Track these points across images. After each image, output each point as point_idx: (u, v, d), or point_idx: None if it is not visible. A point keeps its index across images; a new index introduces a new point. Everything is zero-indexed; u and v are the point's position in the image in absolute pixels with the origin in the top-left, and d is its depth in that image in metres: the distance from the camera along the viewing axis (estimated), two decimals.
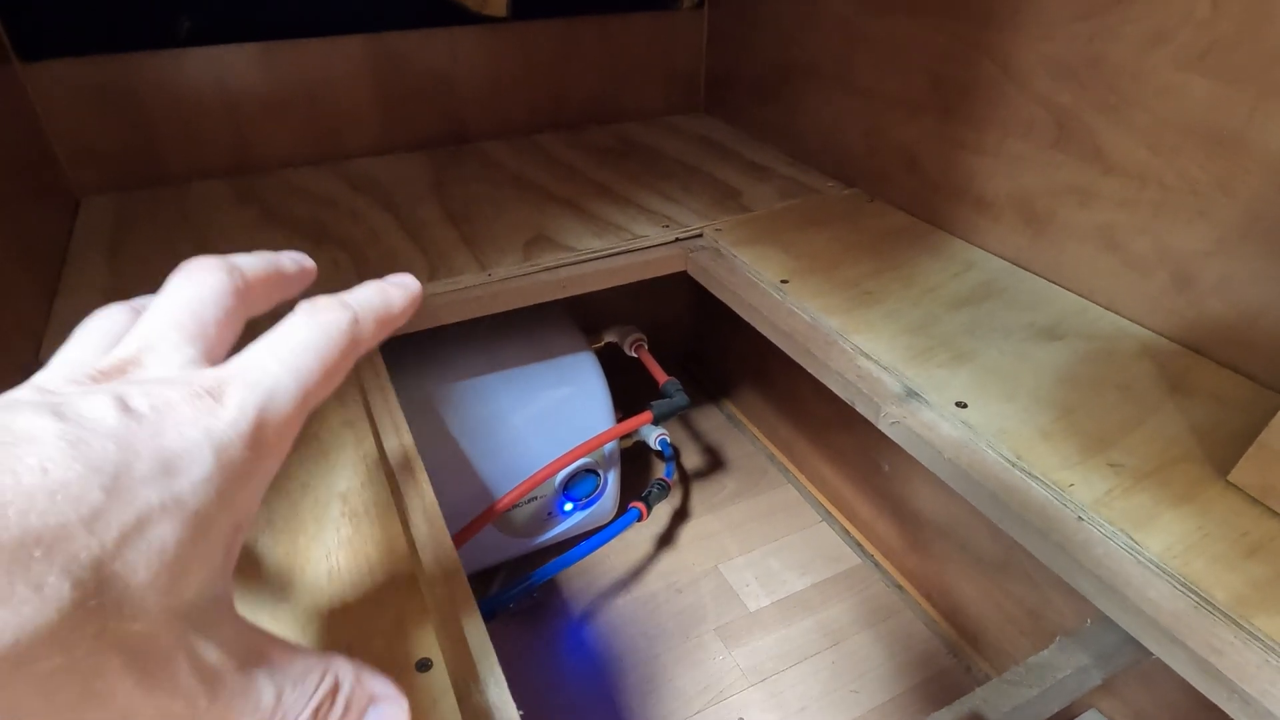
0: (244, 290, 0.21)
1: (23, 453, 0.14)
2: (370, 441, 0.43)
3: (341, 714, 0.20)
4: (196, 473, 0.16)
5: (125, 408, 0.16)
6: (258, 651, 0.18)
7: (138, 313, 0.21)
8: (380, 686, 0.21)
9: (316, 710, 0.19)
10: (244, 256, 0.22)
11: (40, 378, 0.18)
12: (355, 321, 0.20)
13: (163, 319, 0.19)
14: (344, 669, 0.20)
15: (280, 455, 0.19)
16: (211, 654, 0.17)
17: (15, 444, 0.14)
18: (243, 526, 0.18)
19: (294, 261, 0.23)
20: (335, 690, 0.20)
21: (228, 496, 0.17)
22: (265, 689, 0.18)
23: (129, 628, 0.15)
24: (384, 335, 0.22)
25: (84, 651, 0.14)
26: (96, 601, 0.14)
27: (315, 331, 0.19)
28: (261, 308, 0.22)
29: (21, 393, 0.16)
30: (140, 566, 0.15)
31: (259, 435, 0.17)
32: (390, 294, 0.22)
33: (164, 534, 0.15)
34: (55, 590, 0.13)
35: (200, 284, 0.20)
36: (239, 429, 0.17)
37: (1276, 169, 0.44)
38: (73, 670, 0.14)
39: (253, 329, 0.20)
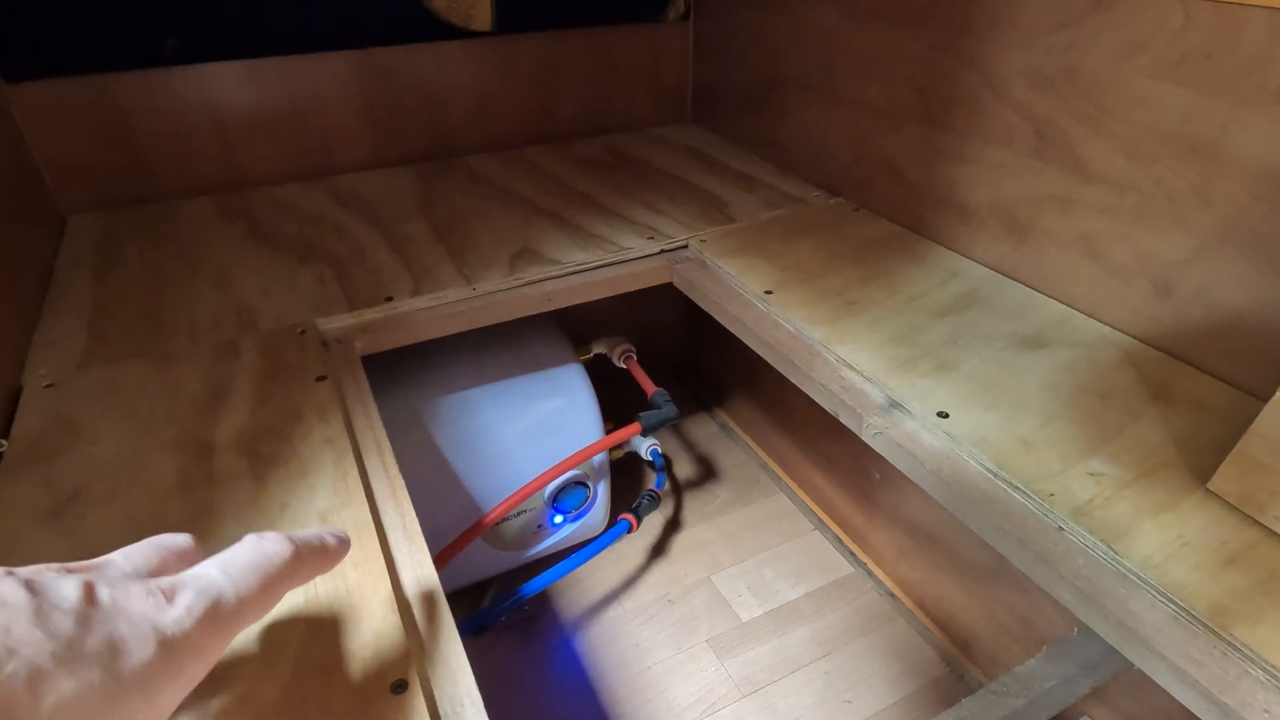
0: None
1: None
2: (351, 459, 0.43)
3: None
4: (139, 658, 0.18)
5: (90, 593, 0.18)
6: None
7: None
8: None
9: None
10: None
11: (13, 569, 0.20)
12: (297, 554, 0.24)
13: (128, 549, 0.23)
14: None
15: (209, 662, 0.21)
16: None
17: None
18: None
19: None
20: None
21: (156, 691, 0.19)
22: None
23: None
24: (317, 572, 0.26)
25: None
26: None
27: (259, 557, 0.23)
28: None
29: None
30: None
31: (198, 635, 0.20)
32: (327, 539, 0.27)
33: (94, 712, 0.17)
34: None
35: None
36: (183, 626, 0.19)
37: (1252, 177, 0.44)
38: None
39: None
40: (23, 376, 0.50)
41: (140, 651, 0.18)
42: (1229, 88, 0.44)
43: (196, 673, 0.20)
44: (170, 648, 0.19)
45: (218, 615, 0.21)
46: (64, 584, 0.18)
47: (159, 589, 0.20)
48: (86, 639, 0.17)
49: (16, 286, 0.56)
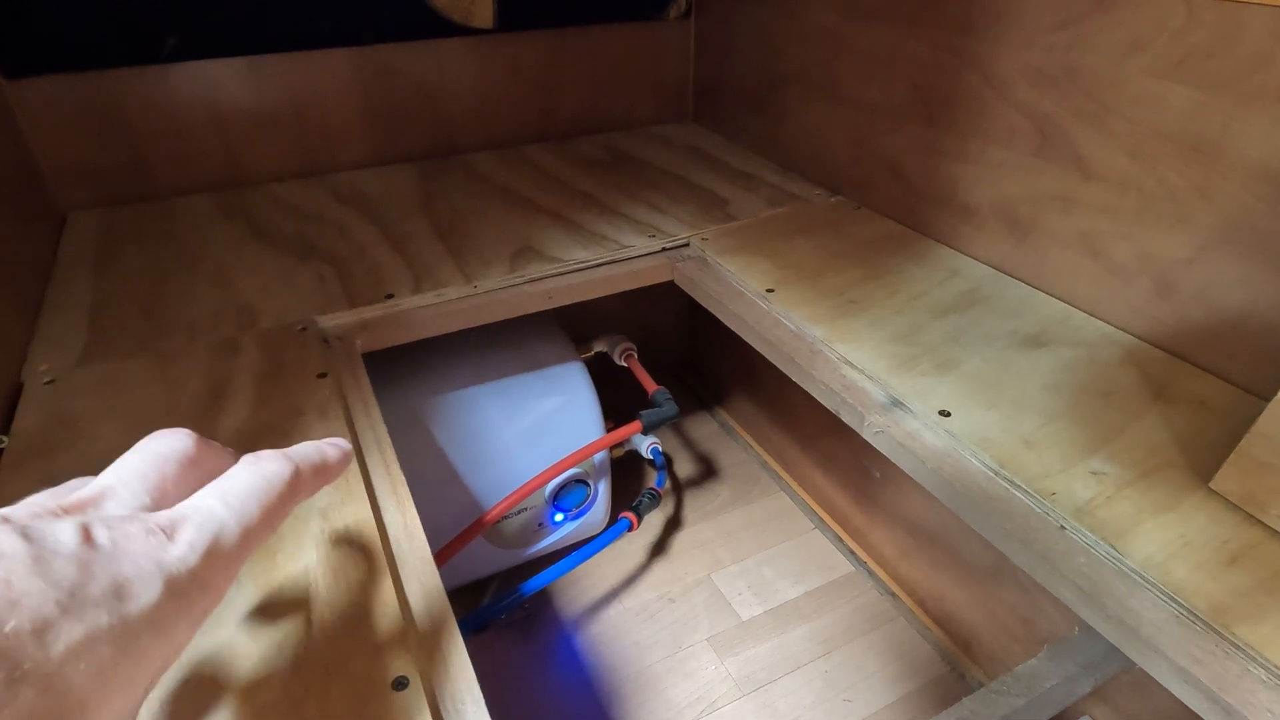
0: (198, 455, 0.23)
1: None
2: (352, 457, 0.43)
3: None
4: (146, 599, 0.18)
5: (88, 536, 0.18)
6: None
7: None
8: None
9: None
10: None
11: (4, 510, 0.19)
12: (296, 473, 0.23)
13: (126, 469, 0.22)
14: None
15: (219, 595, 0.20)
16: None
17: None
18: (167, 666, 0.19)
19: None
20: None
21: (168, 628, 0.18)
22: None
23: None
24: (319, 488, 0.25)
25: None
26: (29, 710, 0.15)
27: (259, 480, 0.22)
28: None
29: None
30: (77, 683, 0.16)
31: (204, 572, 0.19)
32: (326, 451, 0.25)
33: (106, 656, 0.17)
34: None
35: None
36: (187, 563, 0.19)
37: (1254, 176, 0.44)
38: None
39: None
40: (23, 373, 0.50)
41: (147, 592, 0.18)
42: (1231, 86, 0.44)
43: (208, 605, 0.20)
44: (177, 586, 0.18)
45: (221, 548, 0.20)
46: (60, 528, 0.17)
47: (159, 527, 0.19)
48: (90, 584, 0.17)
49: (17, 283, 0.56)
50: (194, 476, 0.23)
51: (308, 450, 0.25)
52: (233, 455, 0.24)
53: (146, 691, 0.19)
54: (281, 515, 0.22)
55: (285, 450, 0.24)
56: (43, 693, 0.15)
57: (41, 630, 0.15)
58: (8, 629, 0.15)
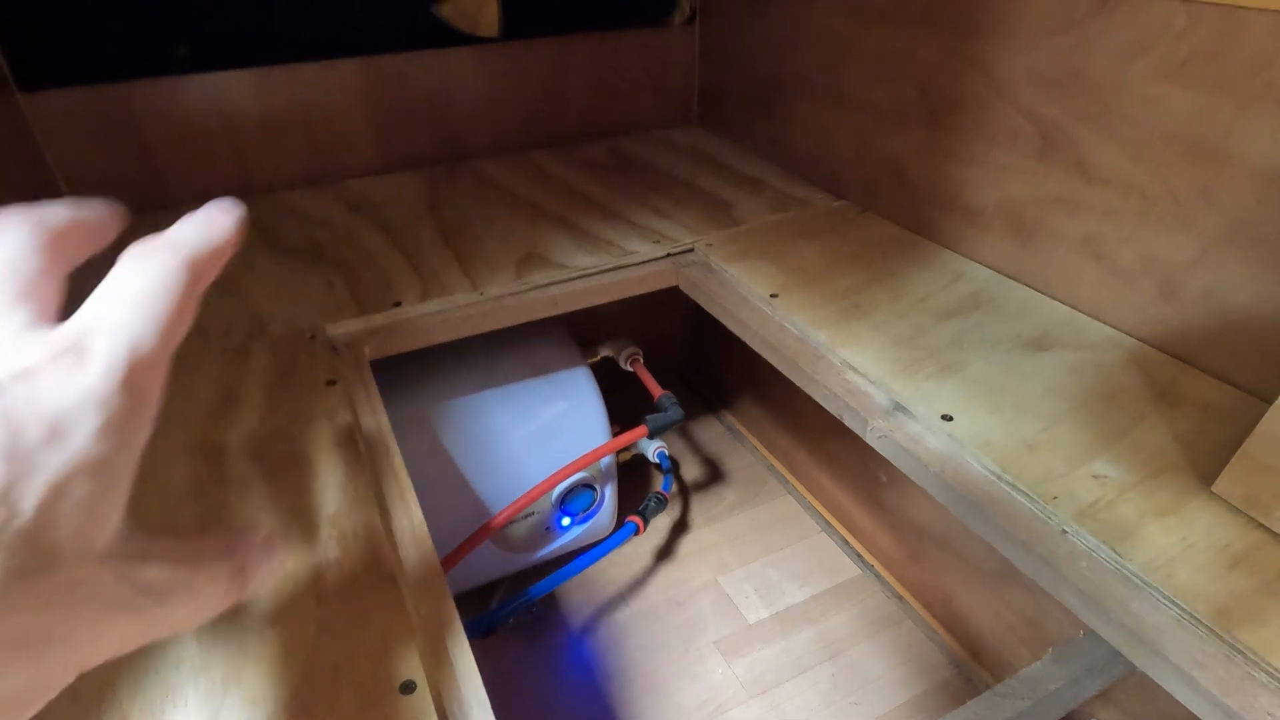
0: (56, 241, 0.20)
1: None
2: (361, 463, 0.43)
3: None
4: (88, 428, 0.16)
5: None
6: (179, 551, 0.20)
7: None
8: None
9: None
10: (47, 207, 0.20)
11: None
12: (191, 258, 0.20)
13: None
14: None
15: (156, 396, 0.19)
16: (149, 571, 0.18)
17: None
18: (138, 460, 0.18)
19: (98, 211, 0.22)
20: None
21: (124, 441, 0.17)
22: (195, 579, 0.20)
23: (69, 578, 0.16)
24: (221, 263, 0.21)
25: (35, 607, 0.15)
26: (34, 564, 0.15)
27: (153, 275, 0.19)
28: (76, 260, 0.21)
29: None
30: (64, 525, 0.16)
31: (133, 381, 0.17)
32: (217, 221, 0.21)
33: (80, 492, 0.16)
34: None
35: (11, 241, 0.19)
36: (114, 379, 0.17)
37: (1257, 178, 0.44)
38: (32, 624, 0.15)
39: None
40: None
41: (86, 421, 0.16)
42: (1234, 89, 0.44)
43: (149, 408, 0.18)
44: (111, 406, 0.17)
45: (142, 353, 0.18)
46: None
47: (64, 348, 0.17)
48: (24, 432, 0.15)
49: None
50: (59, 264, 0.19)
51: (195, 231, 0.20)
52: (82, 222, 0.20)
53: (130, 486, 0.18)
54: (192, 306, 0.20)
55: (168, 236, 0.20)
56: (39, 545, 0.15)
57: (3, 494, 0.15)
58: None
